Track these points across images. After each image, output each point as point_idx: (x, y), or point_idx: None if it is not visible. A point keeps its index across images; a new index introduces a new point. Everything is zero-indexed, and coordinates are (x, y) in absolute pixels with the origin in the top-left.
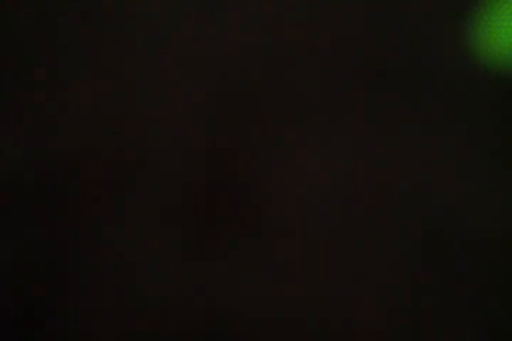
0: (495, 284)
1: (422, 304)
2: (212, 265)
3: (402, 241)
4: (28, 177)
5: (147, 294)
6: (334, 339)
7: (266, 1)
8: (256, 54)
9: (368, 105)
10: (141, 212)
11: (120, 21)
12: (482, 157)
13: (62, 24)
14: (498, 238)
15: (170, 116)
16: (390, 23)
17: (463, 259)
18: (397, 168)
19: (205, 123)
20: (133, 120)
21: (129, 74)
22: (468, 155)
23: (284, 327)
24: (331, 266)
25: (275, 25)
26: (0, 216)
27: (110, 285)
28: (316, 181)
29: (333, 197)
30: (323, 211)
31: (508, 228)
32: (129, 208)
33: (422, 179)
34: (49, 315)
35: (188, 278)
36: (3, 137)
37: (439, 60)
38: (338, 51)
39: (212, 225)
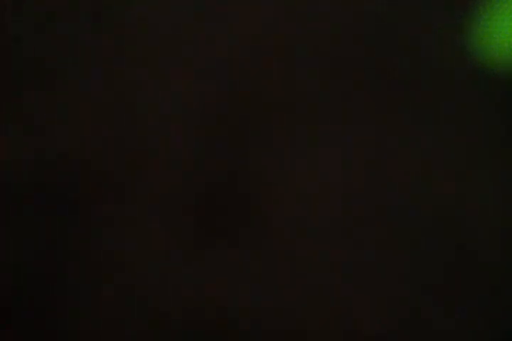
0: (495, 284)
1: (421, 304)
2: (212, 265)
3: (401, 241)
4: (28, 177)
5: (147, 294)
6: (334, 339)
7: (266, 0)
8: (256, 54)
9: (368, 105)
10: (141, 212)
11: (120, 21)
12: (482, 157)
13: (63, 24)
14: (498, 238)
15: (170, 116)
16: (390, 22)
17: (463, 259)
18: (397, 168)
19: (205, 123)
20: (133, 120)
21: (129, 75)
22: (469, 155)
23: (284, 327)
24: (331, 265)
25: (275, 25)
26: (0, 216)
27: (110, 285)
28: (316, 181)
29: (333, 196)
30: (323, 211)
31: (508, 228)
32: (129, 207)
33: (422, 179)
34: (49, 315)
35: (187, 278)
36: (3, 137)
37: (439, 60)
38: (338, 51)
39: (212, 225)
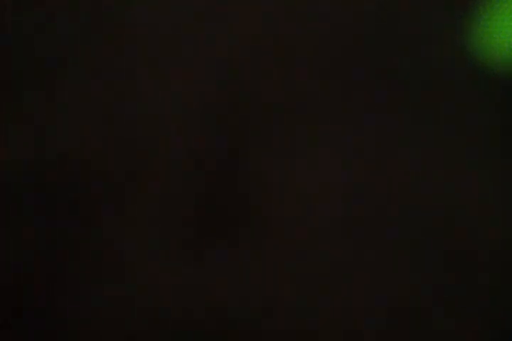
0: (495, 284)
1: (421, 304)
2: (212, 265)
3: (401, 241)
4: (28, 177)
5: (147, 294)
6: (334, 339)
7: (266, 0)
8: (256, 54)
9: (368, 105)
10: (141, 212)
11: (120, 21)
12: (482, 157)
13: (63, 23)
14: (498, 238)
15: (170, 116)
16: (391, 22)
17: (463, 259)
18: (397, 168)
19: (205, 123)
20: (133, 120)
21: (129, 75)
22: (469, 155)
23: (284, 327)
24: (331, 265)
25: (275, 25)
26: (0, 216)
27: (110, 285)
28: (316, 181)
29: (332, 197)
30: (323, 211)
31: (508, 228)
32: (129, 208)
33: (422, 179)
34: (49, 315)
35: (187, 278)
36: (4, 137)
37: (439, 60)
38: (338, 51)
39: (212, 225)
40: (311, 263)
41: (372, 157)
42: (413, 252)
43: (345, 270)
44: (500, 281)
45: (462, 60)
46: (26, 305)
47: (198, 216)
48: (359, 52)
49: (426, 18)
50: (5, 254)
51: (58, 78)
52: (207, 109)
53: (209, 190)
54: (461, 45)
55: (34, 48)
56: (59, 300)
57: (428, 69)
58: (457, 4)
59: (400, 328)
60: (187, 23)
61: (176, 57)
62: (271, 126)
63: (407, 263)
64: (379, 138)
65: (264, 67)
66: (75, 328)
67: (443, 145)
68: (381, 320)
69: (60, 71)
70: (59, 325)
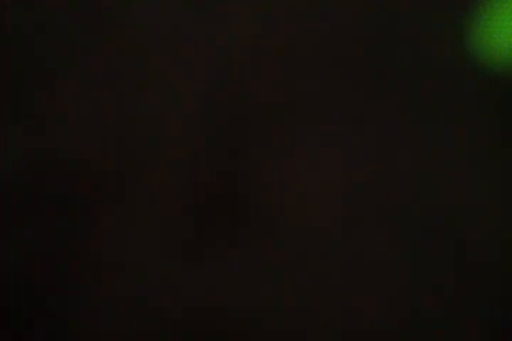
0: (495, 284)
1: (421, 304)
2: (212, 265)
3: (401, 241)
4: (28, 177)
5: (147, 294)
6: (334, 339)
7: (266, 0)
8: (256, 54)
9: (368, 105)
10: (141, 212)
11: (120, 21)
12: (482, 157)
13: (63, 23)
14: (498, 238)
15: (170, 116)
16: (391, 22)
17: (463, 259)
18: (397, 168)
19: (205, 123)
20: (133, 120)
21: (129, 75)
22: (469, 155)
23: (284, 327)
24: (331, 265)
25: (275, 25)
26: (0, 216)
27: (110, 285)
28: (316, 181)
29: (332, 197)
30: (323, 211)
31: (508, 228)
32: (130, 207)
33: (422, 179)
34: (49, 315)
35: (187, 277)
36: (4, 137)
37: (439, 60)
38: (338, 51)
39: (212, 225)
40: (311, 263)
41: (372, 157)
42: (413, 252)
43: (345, 270)
44: (500, 281)
45: (462, 60)
46: (26, 305)
47: (198, 216)
48: (359, 52)
49: (426, 18)
50: (5, 254)
51: (58, 78)
52: (207, 109)
53: (209, 190)
54: (461, 45)
55: (34, 48)
56: (59, 300)
57: (428, 69)
58: (457, 4)
59: (400, 328)
60: (187, 23)
61: (176, 57)
62: (271, 126)
63: (407, 263)
64: (379, 138)
65: (264, 67)
66: (75, 328)
67: (443, 145)
68: (381, 320)
69: (60, 71)
70: (59, 325)
